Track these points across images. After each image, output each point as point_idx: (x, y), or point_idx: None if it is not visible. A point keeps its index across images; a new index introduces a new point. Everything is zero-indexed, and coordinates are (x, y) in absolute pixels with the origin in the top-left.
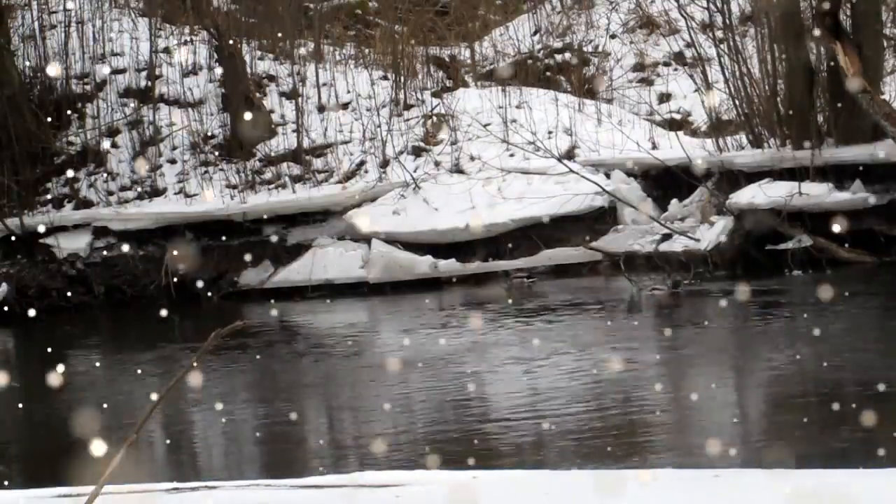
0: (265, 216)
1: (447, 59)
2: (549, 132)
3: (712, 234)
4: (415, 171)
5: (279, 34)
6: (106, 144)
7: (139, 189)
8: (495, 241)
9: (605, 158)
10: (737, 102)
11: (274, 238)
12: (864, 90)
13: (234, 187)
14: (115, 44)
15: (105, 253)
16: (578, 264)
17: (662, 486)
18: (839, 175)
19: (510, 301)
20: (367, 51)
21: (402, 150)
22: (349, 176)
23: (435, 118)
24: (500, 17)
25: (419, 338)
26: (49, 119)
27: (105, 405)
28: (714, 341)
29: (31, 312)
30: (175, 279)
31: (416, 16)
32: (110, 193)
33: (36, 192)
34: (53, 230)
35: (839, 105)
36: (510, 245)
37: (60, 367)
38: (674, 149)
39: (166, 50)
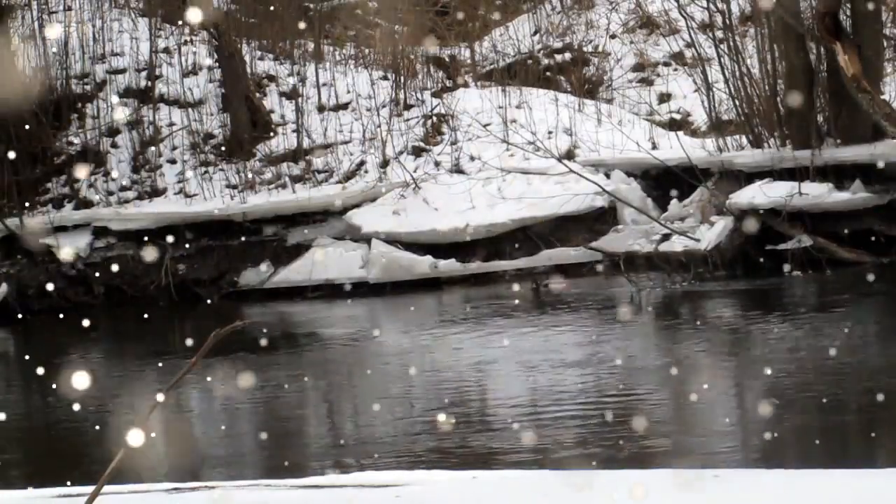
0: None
1: (447, 59)
2: (549, 132)
3: (712, 234)
4: (415, 171)
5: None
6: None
7: (139, 189)
8: (495, 241)
9: (605, 158)
10: (737, 102)
11: (273, 238)
12: (864, 90)
13: (234, 187)
14: (115, 44)
15: (105, 253)
16: (578, 264)
17: (662, 486)
18: (839, 175)
19: (516, 302)
20: (367, 51)
21: (402, 150)
22: (349, 176)
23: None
24: (500, 17)
25: (420, 338)
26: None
27: (104, 405)
28: (713, 342)
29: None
30: (175, 279)
31: (416, 16)
32: (110, 193)
33: (36, 192)
34: (53, 230)
35: (839, 105)
36: (510, 245)
37: (60, 368)
38: (674, 149)
39: (166, 50)
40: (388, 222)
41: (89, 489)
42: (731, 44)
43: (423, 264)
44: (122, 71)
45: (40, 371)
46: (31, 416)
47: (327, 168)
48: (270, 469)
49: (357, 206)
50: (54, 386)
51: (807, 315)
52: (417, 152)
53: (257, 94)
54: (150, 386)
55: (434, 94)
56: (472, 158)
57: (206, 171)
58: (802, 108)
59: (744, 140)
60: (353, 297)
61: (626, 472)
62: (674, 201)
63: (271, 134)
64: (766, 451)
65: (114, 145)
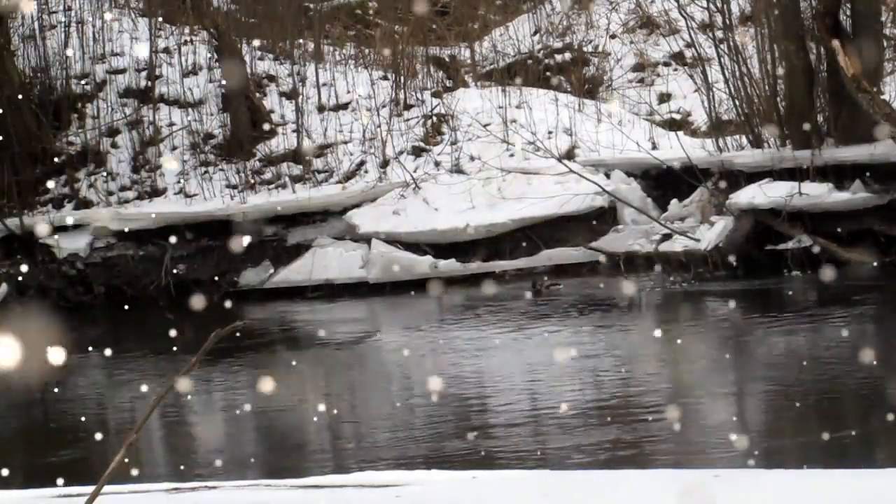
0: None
1: (447, 59)
2: (549, 132)
3: (712, 234)
4: (415, 171)
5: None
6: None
7: (139, 189)
8: (495, 241)
9: (605, 158)
10: (737, 102)
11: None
12: (864, 90)
13: (234, 187)
14: (115, 44)
15: (105, 253)
16: (578, 264)
17: (662, 486)
18: (839, 175)
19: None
20: (367, 51)
21: (402, 150)
22: (349, 176)
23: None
24: (500, 17)
25: (420, 339)
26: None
27: (104, 406)
28: (713, 342)
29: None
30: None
31: (416, 16)
32: (110, 193)
33: (36, 192)
34: (53, 230)
35: (839, 105)
36: (510, 245)
37: (59, 368)
38: (674, 149)
39: (166, 50)
40: (388, 222)
41: (89, 489)
42: (731, 44)
43: (423, 264)
44: (122, 71)
45: (40, 371)
46: (30, 417)
47: (327, 168)
48: (270, 469)
49: (357, 206)
50: (53, 386)
51: (807, 315)
52: (417, 152)
53: (257, 94)
54: (150, 386)
55: (434, 94)
56: (472, 158)
57: (206, 171)
58: (802, 108)
59: (744, 140)
60: (353, 297)
61: (625, 472)
62: (674, 201)
63: (271, 134)
64: (766, 450)
65: (114, 145)
